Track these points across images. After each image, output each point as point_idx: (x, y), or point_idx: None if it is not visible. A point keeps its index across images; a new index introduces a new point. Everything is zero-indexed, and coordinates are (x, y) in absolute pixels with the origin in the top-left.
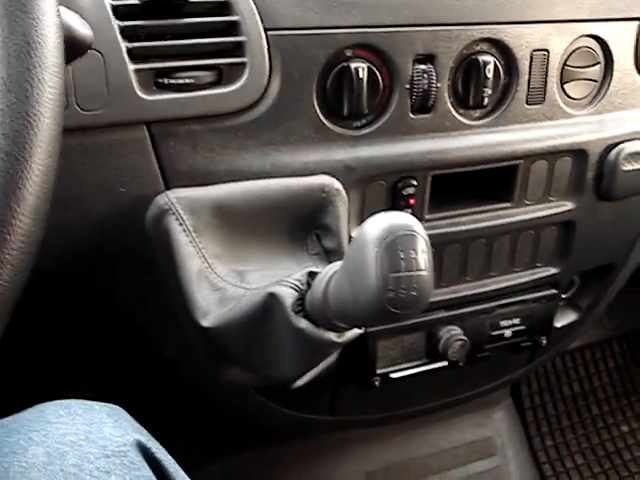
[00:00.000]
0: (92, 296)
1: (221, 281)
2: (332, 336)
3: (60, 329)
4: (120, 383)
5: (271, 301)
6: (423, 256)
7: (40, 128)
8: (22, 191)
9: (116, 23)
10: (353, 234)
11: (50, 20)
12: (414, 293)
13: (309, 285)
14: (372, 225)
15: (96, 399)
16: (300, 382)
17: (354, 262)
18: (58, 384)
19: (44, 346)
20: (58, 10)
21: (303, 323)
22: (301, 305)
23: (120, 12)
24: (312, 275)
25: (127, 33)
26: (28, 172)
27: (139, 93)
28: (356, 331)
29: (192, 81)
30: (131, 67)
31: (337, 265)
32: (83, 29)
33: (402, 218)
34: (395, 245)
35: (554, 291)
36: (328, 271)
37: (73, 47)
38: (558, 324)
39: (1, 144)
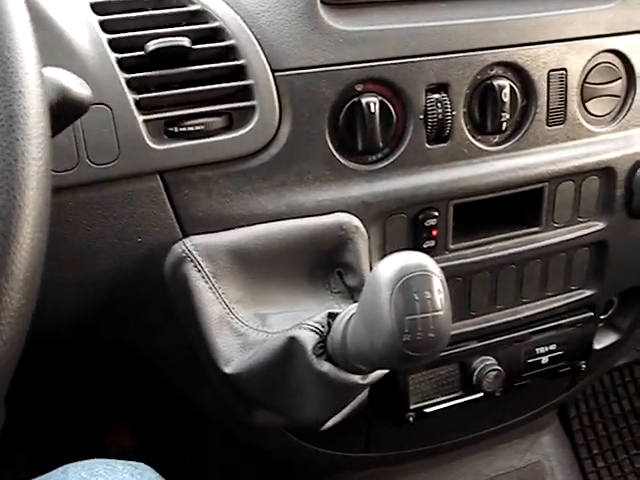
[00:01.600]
0: (113, 348)
1: (243, 326)
2: (356, 378)
3: (86, 380)
4: (155, 428)
5: (292, 345)
6: (439, 296)
7: (26, 202)
8: (10, 267)
9: (122, 76)
10: (372, 271)
11: (33, 91)
12: (432, 335)
13: (330, 326)
14: (384, 267)
15: (135, 444)
16: (329, 424)
17: (368, 306)
18: (98, 430)
19: (76, 397)
20: (42, 79)
21: (325, 366)
22: (322, 348)
23: (125, 64)
24: (332, 316)
25: (134, 85)
26: (15, 248)
27: (150, 143)
28: (381, 371)
29: (202, 128)
30: (140, 118)
31: (355, 307)
32: (80, 89)
33: (415, 258)
34: (409, 287)
35: (591, 314)
36: (346, 314)
37: (71, 108)
38: (598, 346)
39: None
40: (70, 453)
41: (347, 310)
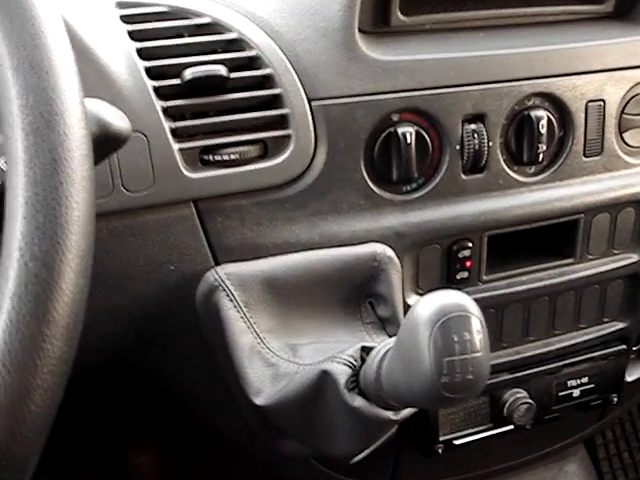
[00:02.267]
0: (144, 375)
1: (274, 356)
2: (388, 414)
3: (110, 401)
4: (177, 448)
5: (324, 379)
6: (478, 337)
7: (69, 248)
8: (52, 314)
9: (159, 104)
10: (402, 315)
11: (77, 133)
12: (470, 377)
13: (363, 360)
14: (423, 306)
15: (156, 463)
16: (359, 457)
17: (406, 346)
18: (119, 449)
19: (98, 415)
20: (86, 120)
21: (358, 401)
22: (355, 382)
23: (162, 93)
24: (365, 350)
25: (170, 113)
26: (59, 294)
27: (184, 172)
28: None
29: (237, 157)
30: (175, 146)
31: (390, 342)
32: (119, 122)
33: (454, 297)
34: (448, 327)
35: (624, 346)
36: (381, 349)
37: (110, 141)
38: (630, 378)
39: (30, 267)
40: (90, 472)
41: (382, 345)
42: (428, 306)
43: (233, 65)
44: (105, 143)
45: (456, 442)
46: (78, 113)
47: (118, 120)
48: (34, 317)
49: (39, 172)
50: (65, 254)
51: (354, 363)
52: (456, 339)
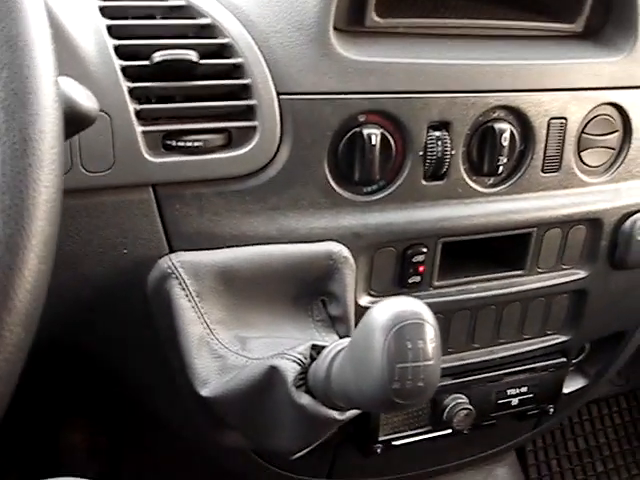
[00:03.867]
0: (87, 357)
1: (222, 348)
2: (334, 414)
3: (43, 381)
4: (113, 429)
5: (272, 374)
6: (431, 345)
7: (34, 233)
8: (14, 301)
9: (125, 84)
10: (352, 315)
11: (50, 114)
12: (420, 384)
13: (312, 359)
14: (380, 312)
15: (89, 445)
16: (300, 454)
17: (360, 349)
18: (56, 423)
19: (40, 394)
20: (59, 101)
21: (304, 399)
22: (303, 380)
23: (130, 73)
24: (315, 348)
25: (136, 94)
26: (20, 280)
27: (146, 155)
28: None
29: (201, 144)
30: (139, 129)
31: (341, 343)
32: (88, 102)
33: (410, 305)
34: (402, 334)
35: (564, 359)
36: (333, 349)
37: (76, 122)
38: (566, 390)
39: None
40: (22, 452)
41: (333, 345)
42: (385, 312)
43: (204, 51)
44: (72, 123)
45: (395, 443)
46: (52, 93)
47: (85, 99)
48: None
49: (8, 152)
50: (30, 239)
51: (303, 360)
52: (410, 346)
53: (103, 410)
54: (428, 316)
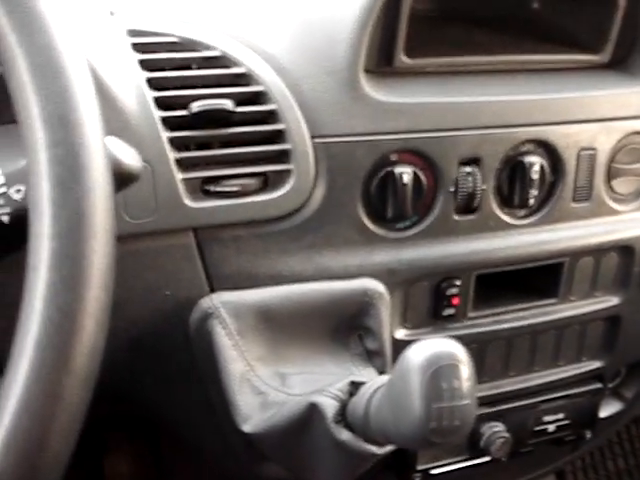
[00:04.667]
0: (130, 395)
1: (263, 384)
2: (373, 449)
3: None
4: (157, 460)
5: (312, 411)
6: (466, 384)
7: (90, 300)
8: (72, 364)
9: (165, 134)
10: (388, 349)
11: (102, 188)
12: (457, 422)
13: (350, 394)
14: (416, 353)
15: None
16: None
17: (397, 389)
18: (95, 455)
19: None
20: (109, 173)
21: (344, 435)
22: (342, 415)
23: (169, 123)
24: (354, 384)
25: (176, 143)
26: (79, 345)
27: (186, 201)
28: None
29: (238, 188)
30: (179, 176)
31: (380, 381)
32: (132, 161)
33: (446, 346)
34: (439, 375)
35: (599, 385)
36: (370, 387)
37: (121, 179)
38: (603, 414)
39: (54, 317)
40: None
41: (372, 383)
42: (422, 353)
43: (239, 98)
44: (117, 182)
45: (433, 472)
46: (102, 167)
47: (130, 159)
48: (54, 367)
49: (65, 226)
50: (86, 307)
51: (342, 397)
52: (445, 386)
53: (148, 442)
54: (463, 356)
